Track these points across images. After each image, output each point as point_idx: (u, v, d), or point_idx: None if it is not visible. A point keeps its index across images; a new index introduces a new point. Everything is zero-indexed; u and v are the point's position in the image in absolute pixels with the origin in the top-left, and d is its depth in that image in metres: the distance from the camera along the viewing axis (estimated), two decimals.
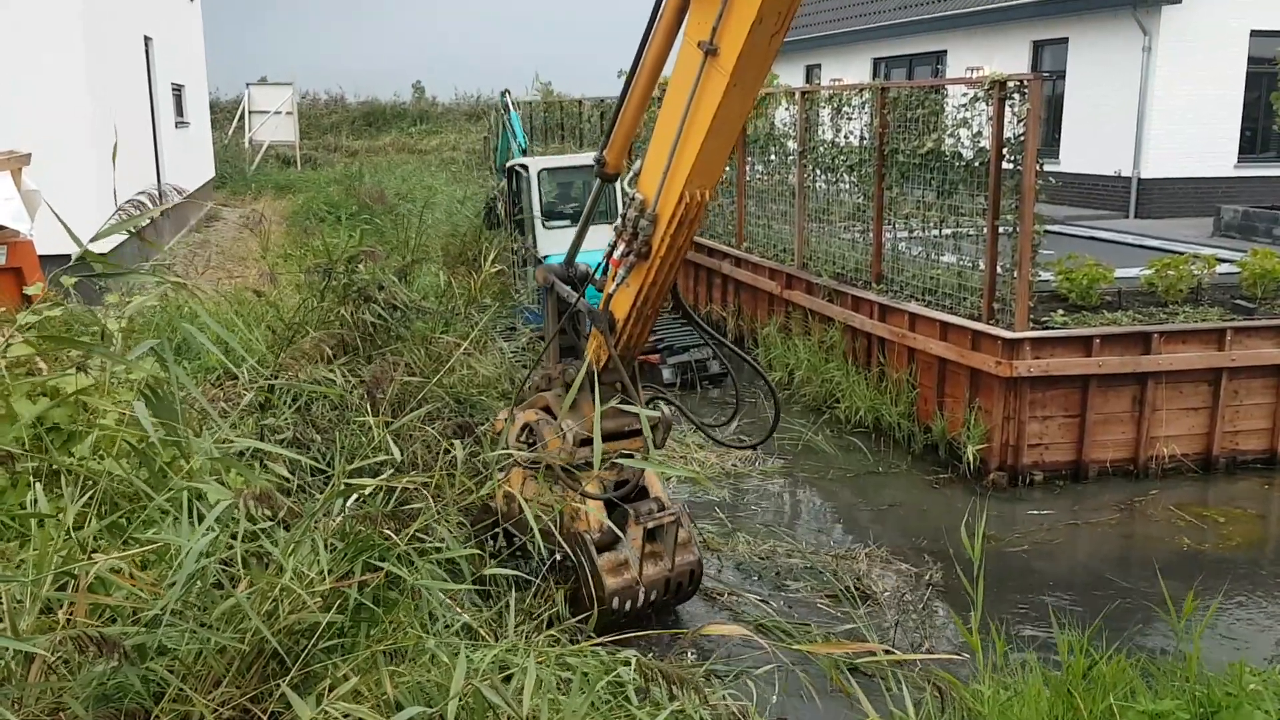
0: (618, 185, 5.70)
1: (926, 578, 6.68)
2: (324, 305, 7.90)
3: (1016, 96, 8.31)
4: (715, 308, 13.90)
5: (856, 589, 6.46)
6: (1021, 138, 8.29)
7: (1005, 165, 8.47)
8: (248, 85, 31.58)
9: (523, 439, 5.85)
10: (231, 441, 4.17)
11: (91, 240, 3.72)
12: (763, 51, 4.62)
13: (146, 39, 16.78)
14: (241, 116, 31.56)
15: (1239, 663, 3.39)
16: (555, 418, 5.76)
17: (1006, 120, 8.40)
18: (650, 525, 5.68)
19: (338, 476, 3.46)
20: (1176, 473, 8.67)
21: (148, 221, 5.03)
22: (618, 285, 5.35)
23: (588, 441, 5.29)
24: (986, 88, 8.54)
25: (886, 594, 6.37)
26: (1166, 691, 3.26)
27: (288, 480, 4.73)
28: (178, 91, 19.87)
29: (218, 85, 39.95)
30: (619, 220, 5.26)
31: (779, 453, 9.17)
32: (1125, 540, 7.80)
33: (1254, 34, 16.30)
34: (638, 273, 5.27)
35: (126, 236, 12.94)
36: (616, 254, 5.31)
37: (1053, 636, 6.11)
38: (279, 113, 30.76)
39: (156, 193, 5.25)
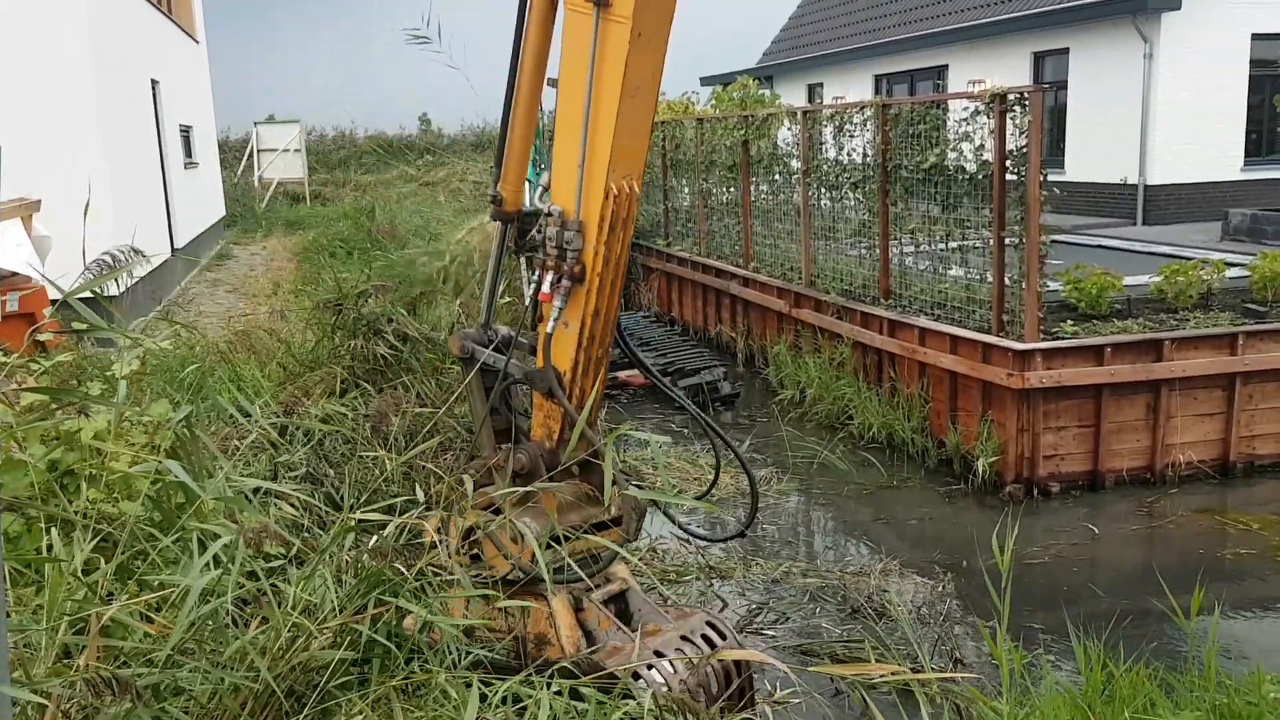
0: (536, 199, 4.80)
1: (942, 591, 6.63)
2: (335, 340, 7.97)
3: (1018, 109, 8.33)
4: (725, 328, 13.91)
5: (872, 606, 6.42)
6: (1024, 149, 8.30)
7: (1009, 177, 8.48)
8: (255, 124, 31.86)
9: (467, 549, 4.45)
10: (242, 481, 4.18)
11: (71, 293, 3.70)
12: None
13: (154, 82, 16.97)
14: (250, 155, 31.85)
15: (1258, 670, 3.36)
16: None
17: (1009, 132, 8.41)
18: (598, 598, 4.58)
19: (345, 512, 3.47)
20: (1194, 479, 8.61)
21: (123, 280, 5.02)
22: (555, 323, 4.42)
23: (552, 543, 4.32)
24: (988, 101, 8.56)
25: (903, 610, 6.33)
26: (1186, 703, 3.24)
27: (299, 517, 4.75)
28: (186, 132, 20.07)
29: (227, 125, 40.35)
30: (540, 249, 4.45)
31: (794, 471, 9.15)
32: (1144, 549, 7.74)
33: (1255, 37, 16.32)
34: (576, 302, 4.39)
35: (133, 281, 13.00)
36: (545, 286, 4.42)
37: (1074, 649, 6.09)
38: (287, 150, 31.04)
39: (122, 251, 5.15)
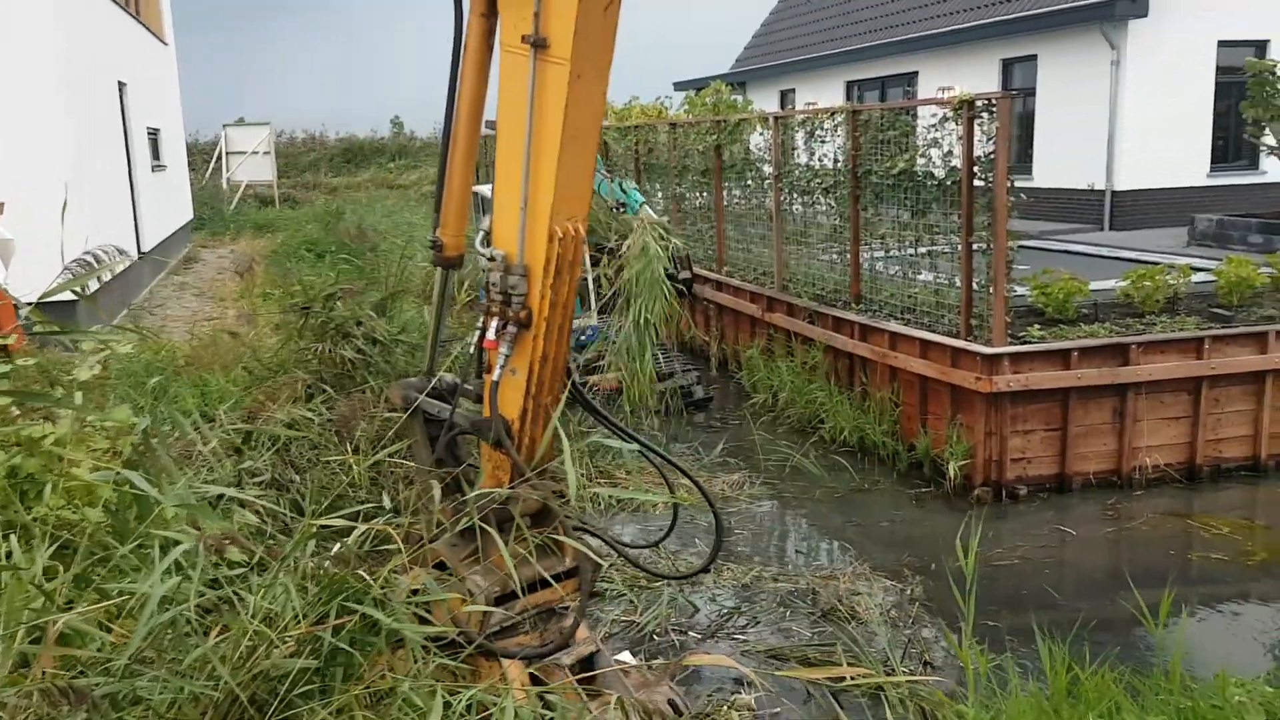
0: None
1: (910, 594, 6.65)
2: (302, 344, 7.90)
3: (985, 115, 8.37)
4: (699, 333, 13.91)
5: (843, 609, 6.43)
6: (992, 155, 8.34)
7: (977, 183, 8.53)
8: (224, 126, 31.61)
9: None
10: (204, 487, 4.13)
11: (41, 298, 3.64)
12: (599, 26, 3.99)
13: (121, 84, 16.78)
14: (219, 158, 31.59)
15: (1222, 674, 3.38)
16: (451, 573, 4.32)
17: (976, 139, 8.46)
18: (567, 661, 4.40)
19: (307, 519, 3.43)
20: (1161, 483, 8.69)
21: (104, 277, 4.94)
22: (501, 371, 4.26)
23: (503, 599, 4.23)
24: (955, 108, 8.61)
25: (874, 613, 6.34)
26: (1152, 706, 3.26)
27: (263, 524, 4.68)
28: (154, 135, 19.86)
29: (197, 128, 40.03)
30: (483, 295, 4.33)
31: (765, 475, 9.16)
32: (1112, 552, 7.80)
33: (1221, 44, 16.52)
34: (523, 348, 4.26)
35: (98, 285, 12.83)
36: (490, 334, 4.27)
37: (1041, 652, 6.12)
38: (256, 153, 30.80)
39: (106, 250, 5.06)
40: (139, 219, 17.23)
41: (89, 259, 4.74)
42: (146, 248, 17.57)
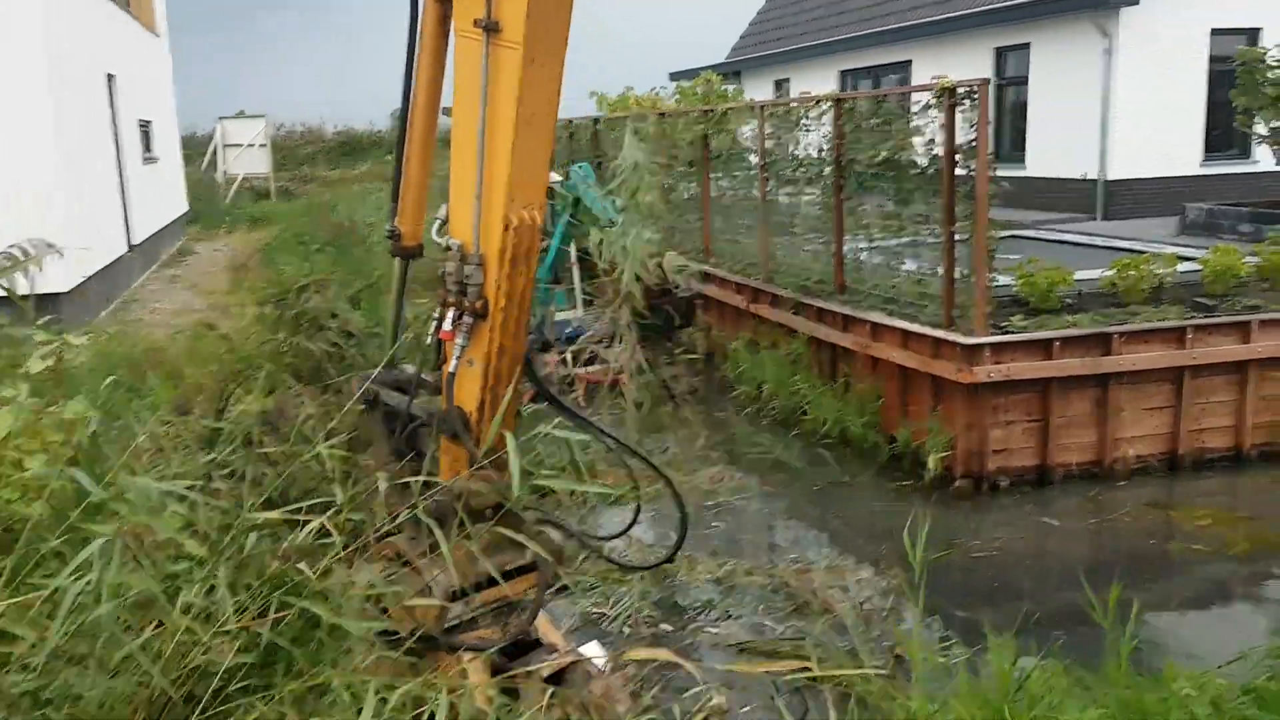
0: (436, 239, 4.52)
1: (886, 586, 6.62)
2: (278, 336, 7.84)
3: (967, 102, 8.30)
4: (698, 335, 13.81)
5: (815, 603, 6.39)
6: (973, 143, 8.27)
7: (959, 171, 8.46)
8: (220, 119, 31.55)
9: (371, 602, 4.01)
10: (149, 484, 4.08)
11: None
12: (553, 10, 3.95)
13: (109, 76, 16.73)
14: (215, 150, 31.55)
15: (1169, 666, 3.34)
16: (410, 568, 4.29)
17: (958, 126, 8.39)
18: (545, 675, 4.30)
19: (245, 512, 3.39)
20: (1143, 473, 8.63)
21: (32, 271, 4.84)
22: (458, 362, 4.24)
23: (462, 594, 4.22)
24: (937, 95, 8.54)
25: (846, 606, 6.30)
26: (1100, 699, 3.21)
27: (226, 517, 4.63)
28: (145, 127, 19.81)
29: (194, 120, 39.94)
30: (441, 286, 4.28)
31: (746, 468, 9.12)
32: (1092, 543, 7.76)
33: (1215, 32, 16.43)
34: (479, 339, 4.21)
35: (85, 278, 12.79)
36: (447, 325, 4.25)
37: (1023, 644, 6.08)
38: (252, 145, 30.75)
39: (35, 244, 4.97)
40: (129, 211, 17.19)
41: (14, 252, 4.66)
42: (137, 240, 17.54)
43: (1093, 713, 3.02)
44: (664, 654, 4.10)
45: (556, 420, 4.54)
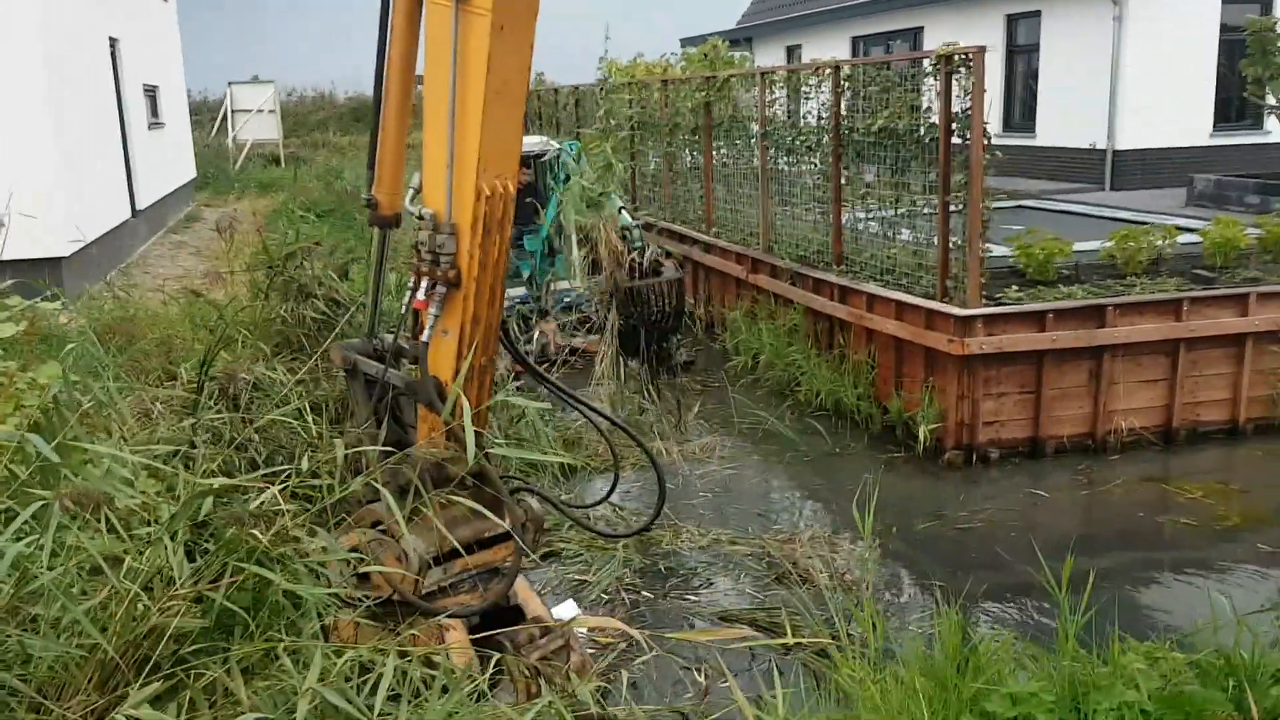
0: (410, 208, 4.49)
1: (867, 557, 6.62)
2: (268, 303, 7.85)
3: (963, 70, 8.20)
4: (687, 294, 13.78)
5: (798, 572, 6.39)
6: (969, 111, 8.17)
7: (955, 140, 8.37)
8: (229, 84, 31.48)
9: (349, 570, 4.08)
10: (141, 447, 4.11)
11: None
12: None
13: (112, 40, 16.69)
14: (225, 116, 31.49)
15: (1115, 639, 3.33)
16: (389, 536, 4.23)
17: (954, 94, 8.29)
18: (534, 659, 4.25)
19: (195, 477, 3.41)
20: (1136, 446, 8.58)
21: None
22: (431, 331, 4.26)
23: (439, 561, 4.24)
24: (934, 62, 8.44)
25: (825, 576, 6.30)
26: (1041, 672, 3.21)
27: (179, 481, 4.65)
28: (151, 93, 19.78)
29: (205, 86, 39.92)
30: (415, 255, 4.30)
31: (739, 439, 9.11)
32: (1082, 516, 7.74)
33: (1225, 1, 16.15)
34: (453, 308, 4.23)
35: (85, 243, 12.78)
36: (420, 294, 4.27)
37: (998, 616, 6.07)
38: (261, 111, 30.67)
39: None
40: (133, 177, 17.21)
41: None
42: (142, 206, 17.57)
43: (1034, 684, 3.02)
44: (612, 623, 4.10)
45: (517, 393, 4.54)
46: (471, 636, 4.15)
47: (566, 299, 12.14)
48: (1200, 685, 3.00)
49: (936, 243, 8.63)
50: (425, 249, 4.22)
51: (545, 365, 9.31)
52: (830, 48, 23.52)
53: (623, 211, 8.09)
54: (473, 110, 4.03)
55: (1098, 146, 16.60)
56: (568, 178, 11.38)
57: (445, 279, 4.19)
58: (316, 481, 3.94)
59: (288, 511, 3.35)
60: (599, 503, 6.29)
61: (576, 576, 6.47)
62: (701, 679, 5.12)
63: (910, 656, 3.47)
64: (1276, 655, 3.30)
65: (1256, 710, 2.85)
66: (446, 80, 4.04)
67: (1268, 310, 8.58)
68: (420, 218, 4.24)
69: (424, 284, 4.26)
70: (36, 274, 9.55)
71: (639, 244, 7.45)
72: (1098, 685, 2.93)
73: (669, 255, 8.30)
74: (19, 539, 3.14)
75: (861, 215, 9.98)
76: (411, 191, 4.44)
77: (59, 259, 12.19)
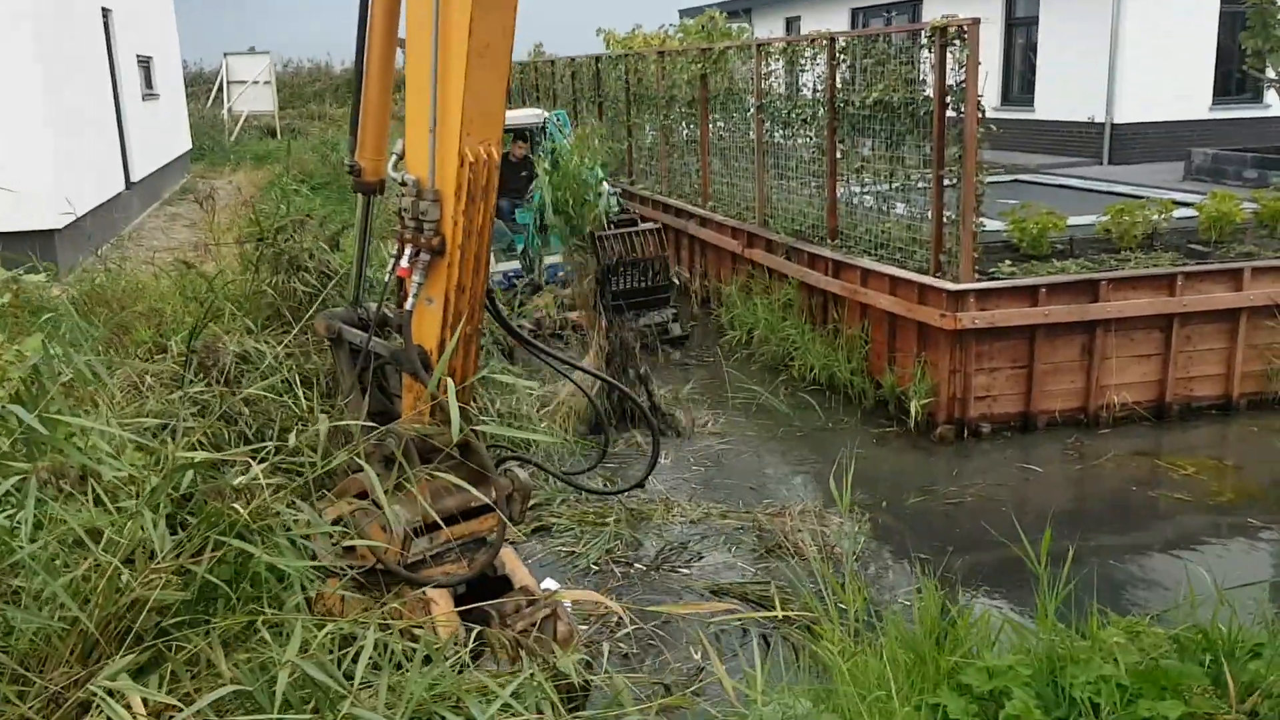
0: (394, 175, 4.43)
1: (858, 530, 6.63)
2: (258, 276, 7.82)
3: (957, 43, 8.14)
4: (683, 270, 13.77)
5: (788, 546, 6.41)
6: (963, 84, 8.12)
7: (950, 113, 8.32)
8: (225, 55, 31.27)
9: (335, 541, 4.01)
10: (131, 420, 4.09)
11: None
12: None
13: (105, 10, 16.55)
14: (220, 87, 31.30)
15: (1093, 613, 3.33)
16: (375, 505, 4.08)
17: (949, 67, 8.23)
18: (520, 628, 4.21)
19: (174, 449, 3.40)
20: (1129, 421, 8.59)
21: None
22: (415, 299, 4.21)
23: (425, 530, 4.20)
24: (928, 34, 8.37)
25: (814, 550, 6.31)
26: (1020, 646, 3.22)
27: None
28: (145, 63, 19.64)
29: (201, 56, 39.64)
30: (399, 222, 4.24)
31: (732, 413, 9.11)
32: (1072, 490, 7.75)
33: None
34: (437, 276, 4.17)
35: (78, 216, 12.70)
36: (404, 261, 4.20)
37: (986, 591, 6.09)
38: (256, 82, 30.48)
39: None
40: (127, 149, 17.11)
41: None
42: (136, 178, 17.48)
43: (1011, 657, 3.03)
44: (593, 596, 4.11)
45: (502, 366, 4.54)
46: (459, 607, 4.17)
47: (560, 272, 12.11)
48: (1178, 659, 3.01)
49: (930, 217, 8.60)
50: (409, 215, 4.16)
51: (538, 338, 9.30)
52: (830, 20, 23.32)
53: (604, 183, 8.18)
54: (455, 74, 3.97)
55: (1096, 120, 16.51)
56: (554, 151, 11.36)
57: (429, 246, 4.13)
58: (299, 458, 3.92)
59: (269, 485, 3.34)
60: (591, 468, 6.30)
61: (566, 548, 6.49)
62: (695, 656, 5.16)
63: (890, 629, 3.47)
64: (1255, 630, 3.31)
65: (1233, 684, 2.86)
66: (428, 42, 3.99)
67: (1262, 285, 8.56)
68: (403, 184, 4.18)
69: (408, 251, 4.20)
70: (28, 246, 9.51)
71: (614, 208, 7.59)
72: (1075, 659, 2.93)
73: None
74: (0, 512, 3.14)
75: (856, 189, 9.93)
76: (395, 157, 4.38)
77: (51, 231, 12.14)
